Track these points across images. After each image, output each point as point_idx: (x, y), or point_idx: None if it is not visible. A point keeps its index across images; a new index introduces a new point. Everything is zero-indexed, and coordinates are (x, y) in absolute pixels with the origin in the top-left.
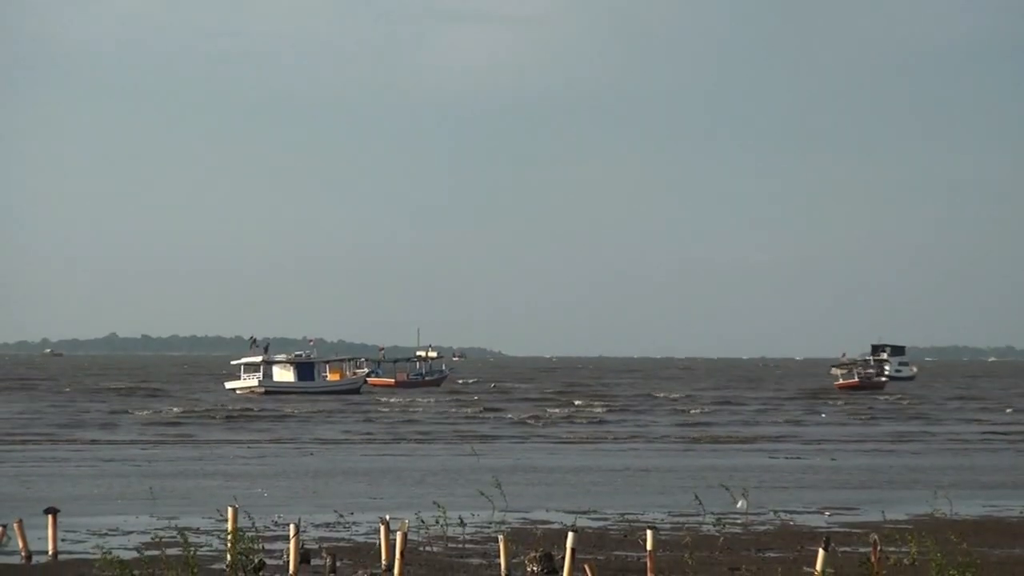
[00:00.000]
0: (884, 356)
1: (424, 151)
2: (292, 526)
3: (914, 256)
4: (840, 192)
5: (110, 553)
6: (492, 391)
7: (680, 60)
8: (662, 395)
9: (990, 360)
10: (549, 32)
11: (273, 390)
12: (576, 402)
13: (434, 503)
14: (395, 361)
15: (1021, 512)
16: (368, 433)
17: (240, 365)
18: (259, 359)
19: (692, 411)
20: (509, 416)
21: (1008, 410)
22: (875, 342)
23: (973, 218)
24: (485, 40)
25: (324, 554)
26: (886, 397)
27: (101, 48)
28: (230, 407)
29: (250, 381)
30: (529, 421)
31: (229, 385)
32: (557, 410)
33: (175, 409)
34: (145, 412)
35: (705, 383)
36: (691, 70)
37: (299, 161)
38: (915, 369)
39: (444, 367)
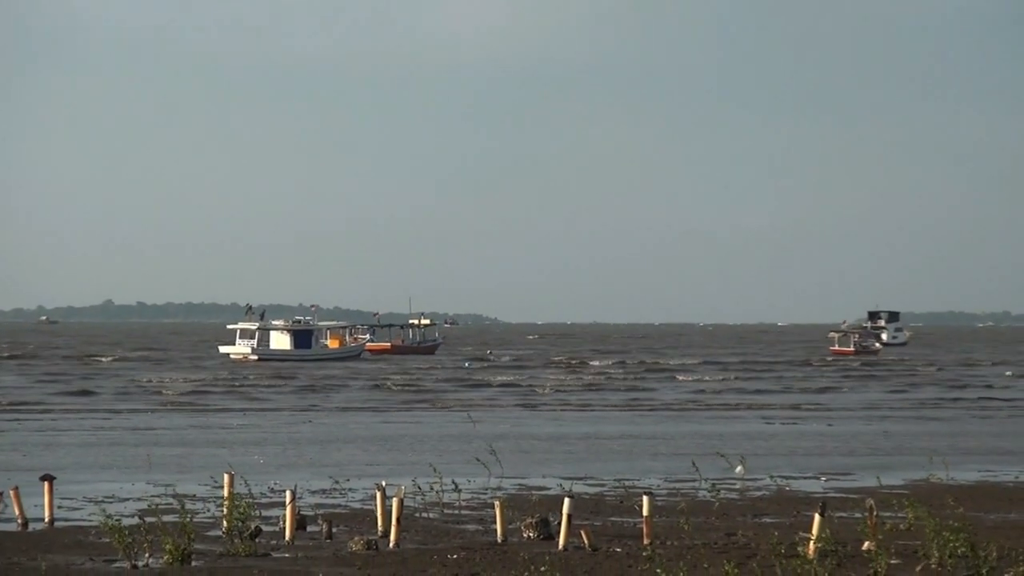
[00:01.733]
0: (881, 323)
1: (420, 120)
2: (288, 493)
3: (909, 221)
4: (833, 159)
5: (111, 519)
6: (488, 356)
7: (683, 30)
8: (656, 361)
9: (978, 326)
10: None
11: (269, 357)
12: (571, 367)
13: (431, 467)
14: (389, 326)
15: (1016, 478)
16: (365, 401)
17: (236, 330)
18: (255, 325)
19: (688, 377)
20: (505, 383)
21: (1008, 372)
22: (871, 308)
23: (971, 183)
24: (491, 5)
25: (320, 520)
26: (882, 362)
27: (101, 16)
28: (228, 375)
29: (245, 348)
30: (527, 388)
31: (224, 349)
32: (553, 376)
33: (172, 377)
34: (142, 380)
35: (699, 349)
36: (693, 39)
37: (295, 130)
38: (908, 334)
39: (437, 335)
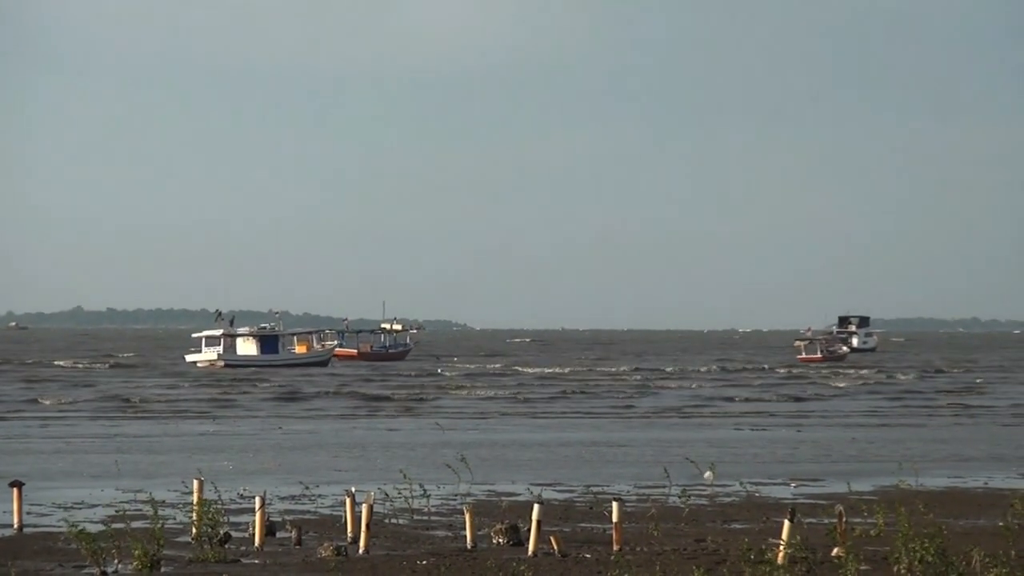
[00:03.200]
0: (852, 328)
1: (390, 122)
2: (258, 499)
3: (876, 226)
4: (800, 163)
5: (75, 526)
6: (455, 364)
7: (653, 34)
8: (623, 368)
9: (940, 332)
10: None
11: (236, 363)
12: (543, 375)
13: (400, 472)
14: (358, 332)
15: (985, 484)
16: (334, 407)
17: (202, 338)
18: (220, 332)
19: (661, 385)
20: (474, 390)
21: (978, 380)
22: (838, 313)
23: (940, 188)
24: (459, 6)
25: (289, 527)
26: (851, 367)
27: (66, 21)
28: (197, 382)
29: (211, 354)
30: (495, 395)
31: (190, 358)
32: (522, 383)
33: (141, 383)
34: (112, 387)
35: (664, 356)
36: (662, 43)
37: (264, 133)
38: (876, 340)
39: (408, 340)
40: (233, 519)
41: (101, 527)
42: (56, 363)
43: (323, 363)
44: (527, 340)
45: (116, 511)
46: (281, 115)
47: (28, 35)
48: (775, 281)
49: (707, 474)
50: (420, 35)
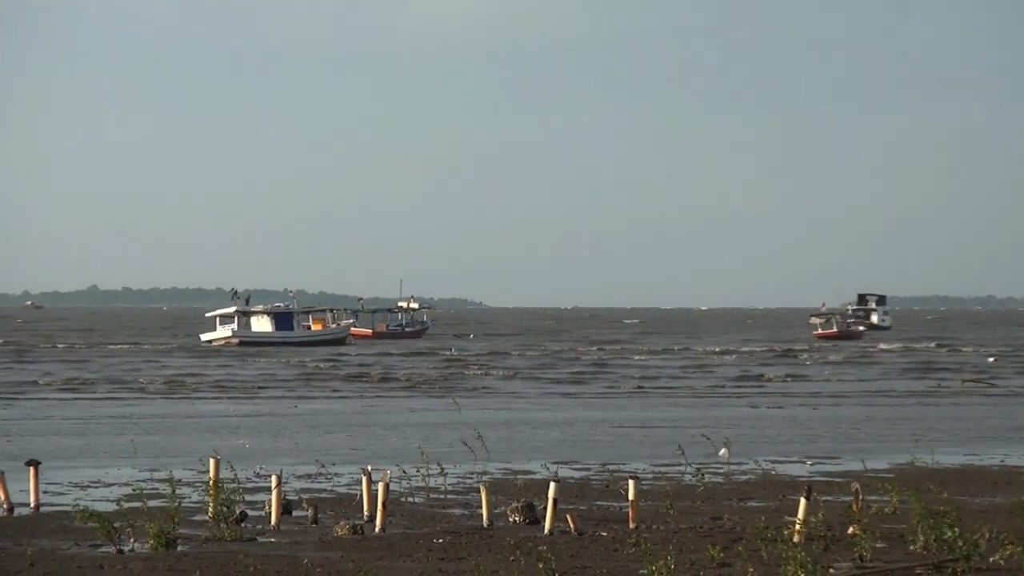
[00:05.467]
0: (872, 305)
1: (401, 100)
2: (274, 477)
3: (891, 206)
4: (819, 144)
5: (89, 507)
6: (471, 340)
7: (673, 19)
8: (639, 346)
9: (941, 309)
10: None
11: (250, 341)
12: (559, 352)
13: (419, 450)
14: (374, 311)
15: (1001, 461)
16: (350, 386)
17: (216, 317)
18: (233, 309)
19: (674, 363)
20: (490, 369)
21: (991, 359)
22: (852, 292)
23: (954, 168)
24: None
25: (306, 505)
26: (867, 345)
27: (83, 3)
28: (213, 362)
29: (225, 332)
30: (512, 373)
31: (205, 337)
32: (538, 362)
33: (158, 363)
34: (128, 366)
35: (680, 334)
36: (681, 28)
37: (279, 114)
38: (891, 318)
39: (425, 318)
40: (249, 498)
41: (116, 506)
42: (73, 343)
43: (339, 341)
44: (548, 321)
45: (133, 490)
46: (291, 94)
47: (33, 19)
48: (789, 260)
49: (722, 452)
50: (422, 7)
